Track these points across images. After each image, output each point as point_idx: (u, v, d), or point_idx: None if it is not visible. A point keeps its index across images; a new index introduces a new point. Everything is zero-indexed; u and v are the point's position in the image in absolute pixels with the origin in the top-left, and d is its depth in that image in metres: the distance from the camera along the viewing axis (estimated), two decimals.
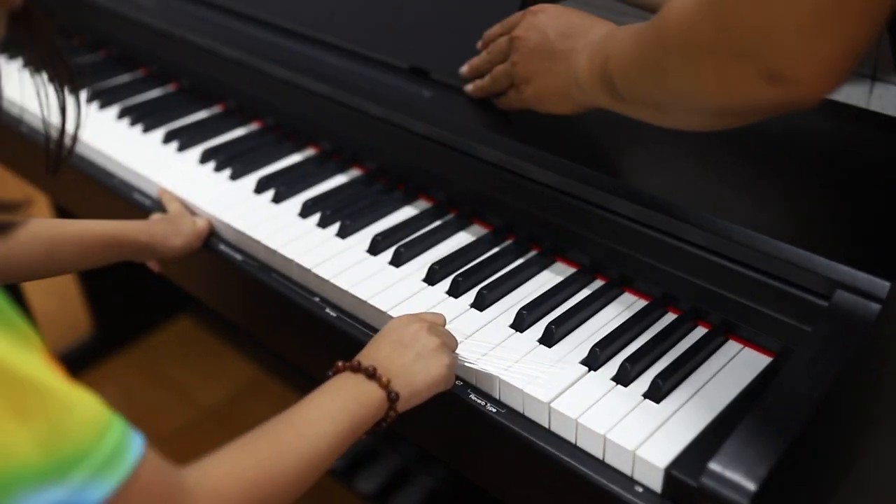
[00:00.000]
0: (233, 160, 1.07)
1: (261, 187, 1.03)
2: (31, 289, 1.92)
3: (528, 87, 0.87)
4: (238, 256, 0.97)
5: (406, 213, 0.98)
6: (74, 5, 1.42)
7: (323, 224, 0.96)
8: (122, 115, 1.21)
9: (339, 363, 0.73)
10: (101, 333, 2.00)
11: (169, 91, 1.27)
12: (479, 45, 0.95)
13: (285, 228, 0.96)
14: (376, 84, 1.02)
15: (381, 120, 1.01)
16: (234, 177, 1.05)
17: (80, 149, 1.17)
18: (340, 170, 1.05)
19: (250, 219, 0.98)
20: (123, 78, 1.31)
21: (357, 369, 0.72)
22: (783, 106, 0.57)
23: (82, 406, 0.52)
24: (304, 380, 1.77)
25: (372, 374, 0.71)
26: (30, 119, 1.24)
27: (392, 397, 0.71)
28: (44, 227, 0.89)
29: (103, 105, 1.24)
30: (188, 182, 1.05)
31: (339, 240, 0.94)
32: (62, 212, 1.88)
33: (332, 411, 0.69)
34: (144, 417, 1.85)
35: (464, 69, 0.96)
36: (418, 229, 0.94)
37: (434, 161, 0.97)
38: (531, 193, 0.89)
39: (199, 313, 2.06)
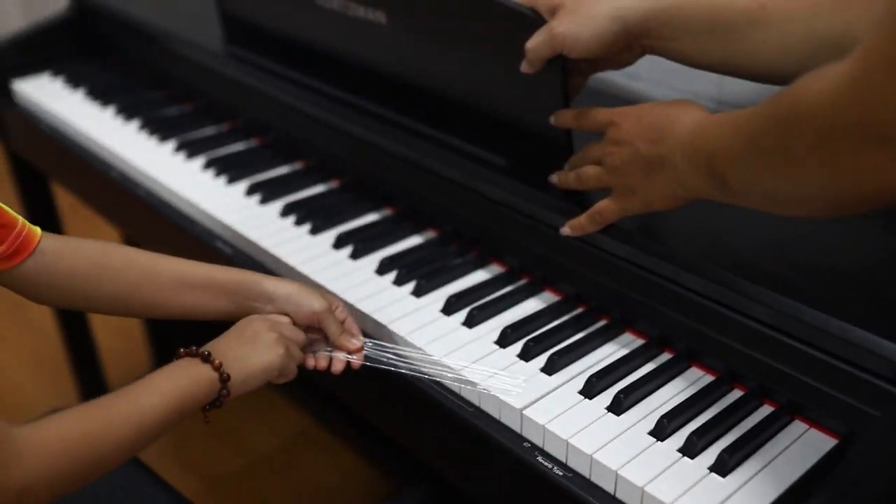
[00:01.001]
0: (313, 215, 1.12)
1: (339, 243, 1.07)
2: (99, 326, 1.98)
3: (634, 198, 0.85)
4: None
5: (479, 276, 1.01)
6: (162, 57, 1.49)
7: (399, 282, 1.00)
8: (207, 165, 1.27)
9: (181, 349, 0.83)
10: None
11: (252, 145, 1.33)
12: (554, 121, 0.95)
13: (363, 284, 1.00)
14: (453, 149, 1.06)
15: (457, 184, 1.04)
16: (313, 231, 1.10)
17: (166, 195, 1.23)
18: (416, 230, 1.09)
19: (329, 273, 1.02)
20: (209, 130, 1.37)
21: (194, 354, 0.82)
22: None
23: None
24: (355, 432, 1.81)
25: (206, 358, 0.82)
26: (105, 156, 1.31)
27: (223, 377, 0.81)
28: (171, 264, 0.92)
29: (190, 155, 1.30)
30: (270, 234, 1.10)
31: (414, 298, 0.97)
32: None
33: (163, 387, 0.79)
34: (197, 461, 1.89)
35: (553, 178, 0.95)
36: (491, 293, 0.97)
37: (508, 227, 1.00)
38: (602, 264, 0.92)
39: None
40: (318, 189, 1.20)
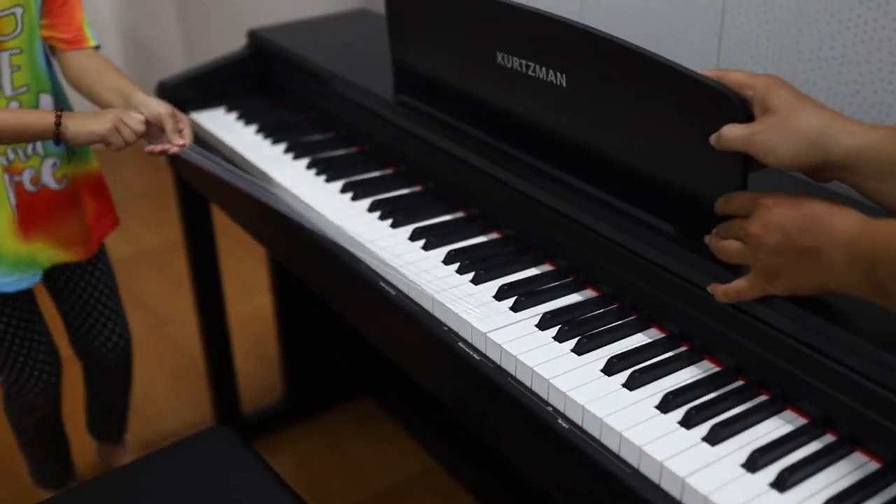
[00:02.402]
0: (475, 264, 1.16)
1: (501, 294, 1.10)
2: (238, 352, 2.07)
3: (776, 282, 0.88)
4: (475, 356, 1.04)
5: (639, 339, 1.03)
6: (332, 99, 1.57)
7: (560, 338, 1.02)
8: (372, 207, 1.32)
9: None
10: (291, 400, 2.12)
11: (416, 191, 1.38)
12: (718, 209, 0.97)
13: (524, 337, 1.03)
14: (619, 211, 1.09)
15: (620, 246, 1.07)
16: (475, 281, 1.14)
17: (331, 233, 1.28)
18: (577, 288, 1.12)
19: (490, 323, 1.05)
20: (374, 174, 1.43)
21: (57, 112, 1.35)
22: None
23: None
24: (476, 475, 1.83)
25: (57, 113, 1.33)
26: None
27: (57, 123, 1.32)
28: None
29: (355, 197, 1.36)
30: (435, 280, 1.14)
31: (574, 356, 1.00)
32: (278, 267, 2.03)
33: (21, 114, 1.38)
34: (317, 487, 1.94)
35: (706, 239, 0.98)
36: (651, 357, 0.99)
37: (670, 294, 1.02)
38: (763, 337, 0.93)
39: (382, 396, 2.15)
40: (479, 239, 1.24)
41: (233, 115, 1.67)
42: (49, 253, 1.54)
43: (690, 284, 0.99)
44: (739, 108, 0.92)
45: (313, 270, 1.43)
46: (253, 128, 1.61)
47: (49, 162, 1.49)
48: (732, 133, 0.91)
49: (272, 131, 1.58)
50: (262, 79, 1.75)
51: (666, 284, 1.02)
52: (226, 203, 1.64)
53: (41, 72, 1.45)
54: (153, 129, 1.38)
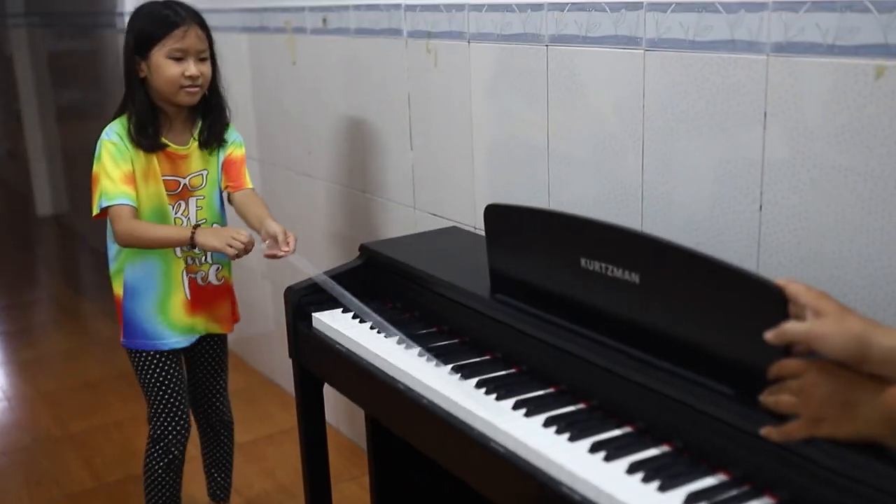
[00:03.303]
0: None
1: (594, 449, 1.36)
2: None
3: (821, 427, 1.14)
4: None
5: (710, 481, 1.27)
6: (433, 300, 1.88)
7: (646, 480, 1.27)
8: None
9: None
10: None
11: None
12: (773, 373, 1.23)
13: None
14: (686, 379, 1.36)
15: (689, 407, 1.33)
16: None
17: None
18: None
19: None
20: (475, 359, 1.71)
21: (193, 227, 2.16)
22: None
23: None
24: None
25: (192, 229, 2.13)
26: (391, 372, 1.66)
27: (193, 234, 2.11)
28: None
29: (463, 377, 1.63)
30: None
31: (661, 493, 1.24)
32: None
33: (170, 230, 2.20)
34: None
35: (761, 397, 1.23)
36: (725, 493, 1.23)
37: (731, 441, 1.27)
38: (811, 473, 1.17)
39: None
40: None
41: (349, 315, 1.99)
42: (206, 324, 2.38)
43: (747, 434, 1.24)
44: (782, 299, 1.21)
45: (433, 442, 1.67)
46: (367, 325, 1.92)
47: (214, 267, 2.35)
48: (793, 330, 1.18)
49: (384, 327, 1.88)
50: (371, 285, 2.07)
51: (726, 433, 1.28)
52: (349, 389, 1.92)
53: (216, 209, 2.33)
54: (272, 243, 2.08)
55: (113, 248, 2.29)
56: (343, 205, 2.91)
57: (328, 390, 2.06)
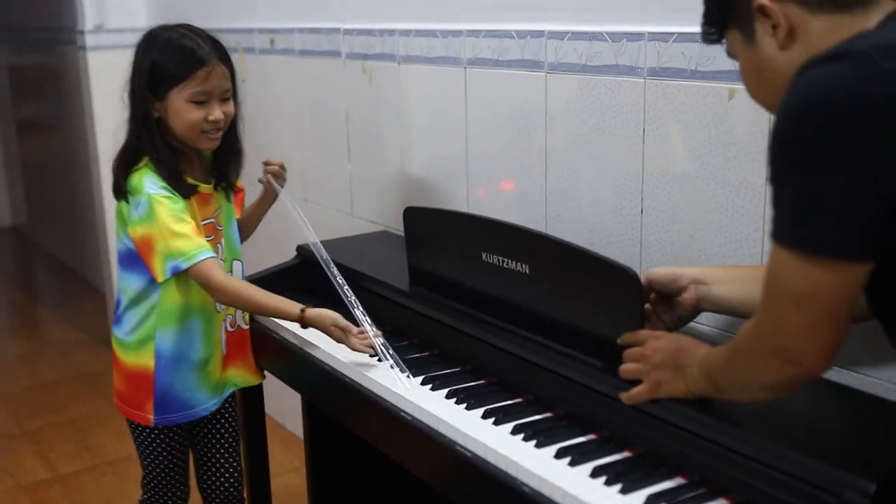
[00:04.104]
0: (471, 399, 1.62)
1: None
2: None
3: (659, 389, 1.37)
4: None
5: (581, 439, 1.49)
6: (360, 293, 2.09)
7: (526, 439, 1.49)
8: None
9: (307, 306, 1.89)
10: None
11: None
12: (620, 341, 1.47)
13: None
14: (562, 353, 1.58)
15: (566, 378, 1.56)
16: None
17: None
18: (540, 411, 1.58)
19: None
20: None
21: (304, 307, 1.87)
22: (799, 381, 1.10)
23: None
24: None
25: (302, 310, 1.86)
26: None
27: (302, 311, 1.86)
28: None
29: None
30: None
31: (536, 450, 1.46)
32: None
33: (285, 303, 1.90)
34: None
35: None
36: (592, 449, 1.45)
37: (598, 405, 1.50)
38: (661, 428, 1.39)
39: None
40: (474, 383, 1.72)
41: None
42: (239, 377, 2.14)
43: (611, 399, 1.47)
44: (636, 279, 1.45)
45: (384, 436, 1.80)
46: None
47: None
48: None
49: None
50: (306, 282, 2.27)
51: (594, 398, 1.50)
52: (354, 422, 1.94)
53: (236, 244, 2.12)
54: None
55: (134, 316, 1.97)
56: (285, 211, 3.12)
57: (267, 384, 2.26)
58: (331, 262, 1.98)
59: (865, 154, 0.97)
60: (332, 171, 2.86)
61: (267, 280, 2.22)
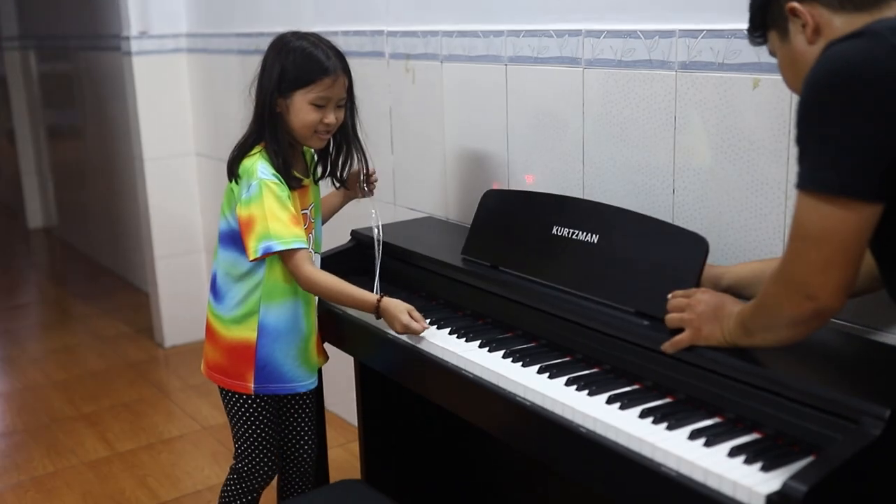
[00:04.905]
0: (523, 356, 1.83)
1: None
2: None
3: (699, 335, 1.57)
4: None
5: (629, 388, 1.69)
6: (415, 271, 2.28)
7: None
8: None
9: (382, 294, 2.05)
10: None
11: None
12: (670, 295, 1.67)
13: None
14: (618, 309, 1.78)
15: (611, 336, 1.76)
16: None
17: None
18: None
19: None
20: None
21: (380, 298, 2.03)
22: (816, 318, 1.30)
23: None
24: None
25: (379, 299, 2.02)
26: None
27: (377, 301, 2.02)
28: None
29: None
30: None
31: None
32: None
33: (362, 292, 2.06)
34: None
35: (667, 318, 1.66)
36: (642, 396, 1.65)
37: (643, 357, 1.69)
38: (701, 375, 1.59)
39: None
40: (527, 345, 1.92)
41: None
42: (320, 360, 2.32)
43: (653, 351, 1.67)
44: (707, 245, 1.67)
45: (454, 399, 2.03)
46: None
47: None
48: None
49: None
50: (361, 263, 2.47)
51: (637, 353, 1.70)
52: (419, 385, 2.10)
53: (319, 236, 2.32)
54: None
55: (239, 291, 2.16)
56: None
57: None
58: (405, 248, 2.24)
59: (880, 110, 1.20)
60: (377, 162, 3.05)
61: (327, 261, 2.43)
